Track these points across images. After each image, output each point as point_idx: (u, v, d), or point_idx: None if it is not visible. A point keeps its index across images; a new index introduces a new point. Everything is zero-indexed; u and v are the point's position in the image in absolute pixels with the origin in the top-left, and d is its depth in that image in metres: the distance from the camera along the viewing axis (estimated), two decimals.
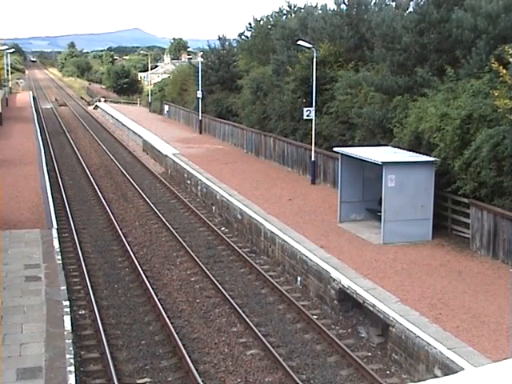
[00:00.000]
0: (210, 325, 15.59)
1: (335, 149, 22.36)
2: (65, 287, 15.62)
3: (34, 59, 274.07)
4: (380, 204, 19.69)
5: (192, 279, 18.87)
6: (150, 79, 78.35)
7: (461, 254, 18.12)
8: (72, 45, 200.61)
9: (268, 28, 44.46)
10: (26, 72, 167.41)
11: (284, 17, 44.68)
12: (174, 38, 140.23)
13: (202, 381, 12.63)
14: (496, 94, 17.87)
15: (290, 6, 44.95)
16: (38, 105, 76.14)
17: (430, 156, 19.55)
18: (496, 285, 15.70)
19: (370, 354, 14.17)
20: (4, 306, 14.25)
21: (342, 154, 21.48)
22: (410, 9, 24.69)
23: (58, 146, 45.94)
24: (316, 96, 27.54)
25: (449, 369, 11.65)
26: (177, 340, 14.21)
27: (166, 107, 61.74)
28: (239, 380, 12.96)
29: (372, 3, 30.06)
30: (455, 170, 18.60)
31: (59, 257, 17.90)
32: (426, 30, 22.60)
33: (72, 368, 11.54)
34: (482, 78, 19.49)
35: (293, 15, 42.99)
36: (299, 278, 18.26)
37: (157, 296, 17.00)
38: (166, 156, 36.48)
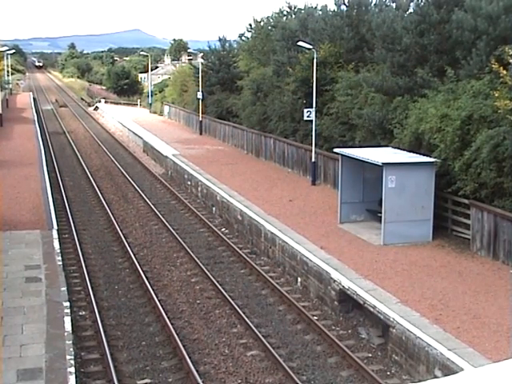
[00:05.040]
0: (210, 326, 15.59)
1: (335, 150, 22.37)
2: (65, 288, 15.62)
3: (41, 63, 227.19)
4: (380, 205, 19.69)
5: (192, 280, 18.87)
6: (150, 80, 78.30)
7: (461, 255, 18.12)
8: (72, 46, 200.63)
9: (268, 29, 44.49)
10: (27, 74, 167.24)
11: (284, 18, 44.71)
12: (174, 39, 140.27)
13: (203, 381, 12.63)
14: (496, 94, 17.89)
15: (290, 7, 44.99)
16: (38, 106, 76.15)
17: (431, 157, 19.55)
18: (496, 286, 15.70)
19: (370, 354, 14.16)
20: (4, 306, 14.25)
21: (342, 155, 21.49)
22: (411, 10, 24.70)
23: (59, 147, 45.97)
24: (316, 97, 27.55)
25: (449, 370, 11.65)
26: (177, 341, 14.21)
27: (167, 108, 61.77)
28: (239, 381, 12.95)
29: (372, 4, 30.07)
30: (455, 170, 18.61)
31: (59, 258, 17.90)
32: (426, 30, 22.62)
33: (72, 369, 11.54)
34: (482, 79, 19.50)
35: (293, 16, 43.02)
36: (299, 279, 18.26)
37: (157, 297, 17.00)
38: (167, 157, 36.49)
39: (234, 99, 42.20)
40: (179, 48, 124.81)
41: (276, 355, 13.64)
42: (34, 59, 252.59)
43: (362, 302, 15.01)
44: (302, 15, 37.48)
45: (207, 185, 28.22)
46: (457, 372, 9.60)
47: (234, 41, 52.18)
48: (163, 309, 16.13)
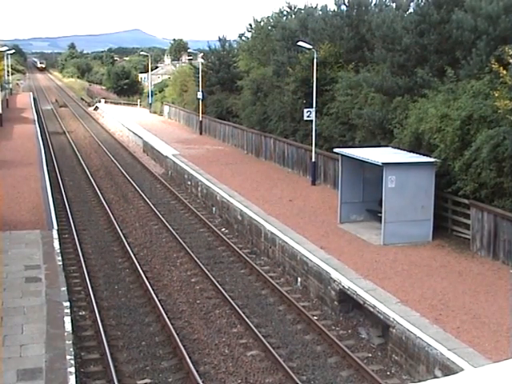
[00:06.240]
0: (210, 326, 15.59)
1: (335, 150, 22.38)
2: (65, 288, 15.62)
3: (43, 64, 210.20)
4: (380, 205, 19.70)
5: (192, 280, 18.87)
6: (150, 80, 78.29)
7: (461, 255, 18.12)
8: (72, 46, 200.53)
9: (268, 29, 44.48)
10: (27, 74, 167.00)
11: (284, 18, 44.69)
12: (174, 39, 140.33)
13: (203, 382, 12.63)
14: (496, 94, 17.88)
15: (290, 7, 44.97)
16: (38, 106, 76.14)
17: (431, 157, 19.55)
18: (496, 285, 15.70)
19: (370, 354, 14.16)
20: (4, 307, 14.25)
21: (342, 155, 21.49)
22: (411, 10, 24.71)
23: (59, 147, 45.97)
24: (316, 97, 27.54)
25: (449, 370, 11.65)
26: (177, 341, 14.21)
27: (167, 108, 61.77)
28: (239, 381, 12.96)
29: (372, 4, 30.07)
30: (455, 170, 18.61)
31: (59, 258, 17.90)
32: (426, 30, 22.62)
33: (72, 369, 11.54)
34: (482, 79, 19.50)
35: (293, 16, 42.99)
36: (299, 279, 18.26)
37: (157, 297, 17.00)
38: (167, 157, 36.50)
39: (234, 99, 42.20)
40: (179, 48, 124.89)
41: (276, 355, 13.64)
42: (36, 60, 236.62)
43: (361, 302, 15.02)
44: (301, 15, 37.47)
45: (207, 185, 28.22)
46: (457, 372, 9.60)
47: (234, 41, 52.21)
48: (163, 309, 16.13)
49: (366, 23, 28.39)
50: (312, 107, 27.55)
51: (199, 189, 29.39)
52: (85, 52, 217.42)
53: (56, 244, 19.16)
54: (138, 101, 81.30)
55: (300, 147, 30.44)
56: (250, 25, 48.82)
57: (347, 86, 26.76)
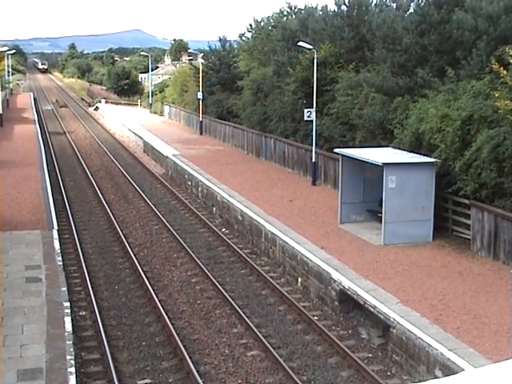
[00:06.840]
0: (210, 326, 15.59)
1: (336, 150, 22.38)
2: (65, 288, 15.62)
3: (45, 65, 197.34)
4: (380, 205, 19.69)
5: (193, 280, 18.87)
6: (150, 80, 78.29)
7: (461, 255, 18.11)
8: (73, 46, 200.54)
9: (269, 29, 44.57)
10: (27, 74, 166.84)
11: (284, 18, 44.78)
12: (174, 39, 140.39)
13: (203, 382, 12.63)
14: (496, 95, 17.89)
15: (290, 7, 45.07)
16: (38, 106, 76.14)
17: (431, 157, 19.55)
18: (497, 286, 15.70)
19: (370, 355, 14.16)
20: (5, 307, 14.25)
21: (342, 155, 21.48)
22: (411, 10, 24.72)
23: (59, 147, 45.98)
24: (317, 97, 27.54)
25: (450, 370, 11.65)
26: (177, 341, 14.21)
27: (167, 108, 61.77)
28: (240, 381, 12.95)
29: (373, 4, 30.10)
30: (456, 171, 18.61)
31: (60, 258, 17.90)
32: (426, 31, 22.62)
33: (73, 369, 11.54)
34: (482, 79, 19.50)
35: (293, 16, 43.08)
36: (300, 279, 18.26)
37: (157, 297, 17.00)
38: (167, 157, 36.50)
39: (235, 99, 42.21)
40: (179, 48, 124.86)
41: (276, 355, 13.64)
42: (37, 61, 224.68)
43: (362, 302, 15.01)
44: (302, 15, 37.53)
45: (207, 185, 28.22)
46: (457, 372, 9.60)
47: (235, 41, 52.29)
48: (163, 309, 16.13)
49: (366, 23, 28.42)
50: (312, 107, 27.55)
51: (199, 189, 29.40)
52: (85, 52, 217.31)
53: (56, 244, 19.15)
54: (139, 101, 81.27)
55: (300, 147, 30.44)
56: (251, 25, 48.96)
57: (347, 86, 26.77)
